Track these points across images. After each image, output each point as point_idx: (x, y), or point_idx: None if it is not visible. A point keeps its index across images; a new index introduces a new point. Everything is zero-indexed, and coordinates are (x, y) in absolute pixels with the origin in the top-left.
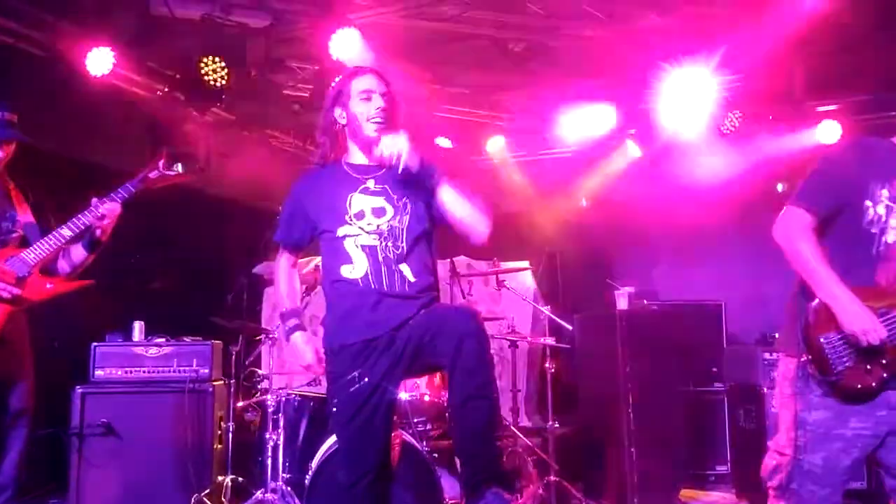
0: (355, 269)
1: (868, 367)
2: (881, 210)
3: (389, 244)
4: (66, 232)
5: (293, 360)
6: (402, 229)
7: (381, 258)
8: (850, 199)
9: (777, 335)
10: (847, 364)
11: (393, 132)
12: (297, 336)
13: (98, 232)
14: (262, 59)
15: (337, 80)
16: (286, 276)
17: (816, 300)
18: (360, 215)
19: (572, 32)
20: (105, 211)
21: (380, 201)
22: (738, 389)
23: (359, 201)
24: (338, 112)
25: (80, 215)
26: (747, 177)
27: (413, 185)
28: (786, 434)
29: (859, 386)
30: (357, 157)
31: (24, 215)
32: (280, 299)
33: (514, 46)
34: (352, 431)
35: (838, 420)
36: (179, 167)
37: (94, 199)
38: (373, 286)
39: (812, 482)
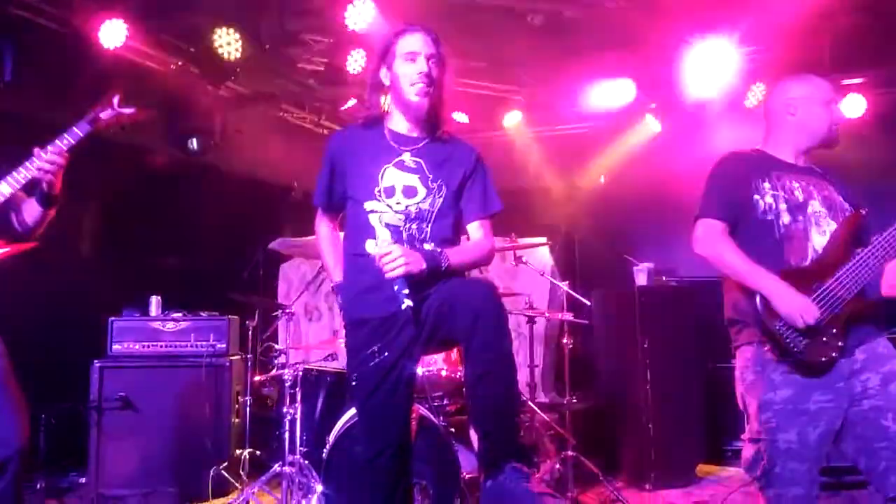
0: (378, 244)
1: (824, 339)
2: (769, 199)
3: (414, 226)
4: (4, 188)
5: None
6: (432, 212)
7: (404, 237)
8: (742, 199)
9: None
10: (805, 342)
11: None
12: None
13: (45, 185)
14: (276, 32)
15: (385, 36)
16: (331, 246)
17: (758, 295)
18: (390, 192)
19: (591, 3)
20: (47, 160)
21: (413, 180)
22: None
23: (391, 176)
24: (383, 72)
25: (19, 168)
26: None
27: (450, 164)
28: (756, 420)
29: (823, 358)
30: (398, 122)
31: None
32: (328, 270)
33: (531, 18)
34: (372, 406)
35: (802, 395)
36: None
37: (36, 149)
38: None
39: (791, 459)
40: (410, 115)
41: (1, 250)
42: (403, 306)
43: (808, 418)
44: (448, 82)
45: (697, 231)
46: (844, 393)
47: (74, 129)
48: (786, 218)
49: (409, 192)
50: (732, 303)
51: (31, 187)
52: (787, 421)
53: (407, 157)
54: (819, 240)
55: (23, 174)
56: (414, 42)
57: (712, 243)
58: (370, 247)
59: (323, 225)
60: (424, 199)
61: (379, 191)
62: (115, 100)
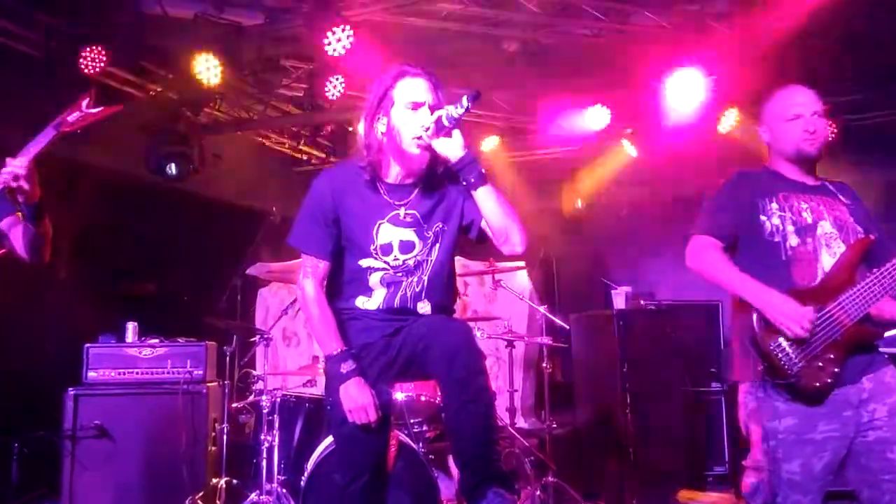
0: (371, 301)
1: (820, 364)
2: (776, 221)
3: (413, 280)
4: None
5: (346, 402)
6: (429, 261)
7: (399, 295)
8: (746, 218)
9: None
10: (800, 365)
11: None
12: (355, 383)
13: (21, 198)
14: (255, 58)
15: (382, 79)
16: (322, 309)
17: (755, 312)
18: (386, 249)
19: (567, 30)
20: (10, 170)
21: (409, 234)
22: (737, 389)
23: (386, 232)
24: (379, 119)
25: None
26: None
27: (445, 209)
28: (758, 448)
29: (817, 384)
30: (392, 172)
31: None
32: (321, 338)
33: (507, 45)
34: (345, 432)
35: (807, 425)
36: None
37: (8, 160)
38: (383, 317)
39: (794, 491)
40: (406, 166)
41: None
42: (456, 112)
43: (814, 448)
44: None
45: (690, 245)
46: (851, 422)
47: (40, 136)
48: (793, 240)
49: (406, 247)
50: (736, 325)
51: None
52: (790, 451)
53: (402, 212)
54: (829, 262)
55: None
56: (416, 90)
57: (703, 255)
58: (359, 302)
59: (312, 283)
60: (421, 250)
61: (375, 248)
62: (85, 102)
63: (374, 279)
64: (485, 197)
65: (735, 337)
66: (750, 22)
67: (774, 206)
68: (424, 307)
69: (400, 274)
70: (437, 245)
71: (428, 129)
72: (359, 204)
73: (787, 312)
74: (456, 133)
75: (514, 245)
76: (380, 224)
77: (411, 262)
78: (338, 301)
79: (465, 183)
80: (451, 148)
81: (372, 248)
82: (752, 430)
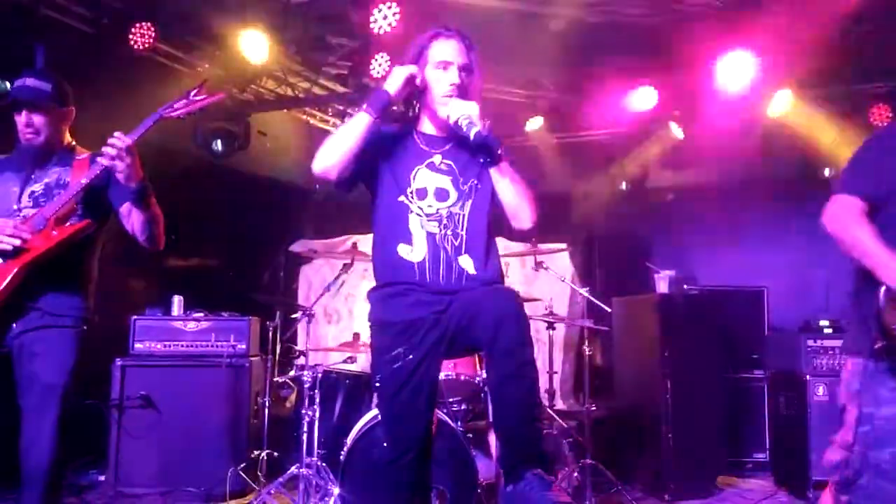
0: (414, 251)
1: None
2: None
3: (449, 233)
4: (83, 180)
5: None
6: (463, 216)
7: (440, 248)
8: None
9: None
10: None
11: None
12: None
13: (121, 177)
14: (301, 36)
15: (419, 39)
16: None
17: (884, 286)
18: (422, 193)
19: (613, 10)
20: (109, 147)
21: (445, 181)
22: (780, 377)
23: (423, 177)
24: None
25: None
26: (792, 160)
27: (480, 168)
28: (851, 430)
29: None
30: (428, 126)
31: (78, 185)
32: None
33: (554, 25)
34: (395, 408)
35: None
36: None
37: (117, 134)
38: (429, 279)
39: (881, 478)
40: (438, 122)
41: (55, 234)
42: (472, 133)
43: None
44: (478, 88)
45: (831, 206)
46: None
47: (147, 119)
48: None
49: (441, 194)
50: (856, 302)
51: (100, 178)
52: (883, 440)
53: (437, 159)
54: None
55: (98, 165)
56: (447, 50)
57: (846, 222)
58: (403, 251)
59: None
60: (455, 202)
61: (411, 192)
62: (193, 91)
63: (413, 222)
64: (497, 176)
65: (853, 308)
66: (803, 2)
67: None
68: (466, 261)
69: (434, 223)
70: (471, 201)
71: (456, 121)
72: (400, 151)
73: None
74: (473, 112)
75: (522, 222)
76: (418, 169)
77: (444, 212)
78: (384, 251)
79: (481, 161)
80: (470, 130)
81: (409, 190)
82: (850, 410)
